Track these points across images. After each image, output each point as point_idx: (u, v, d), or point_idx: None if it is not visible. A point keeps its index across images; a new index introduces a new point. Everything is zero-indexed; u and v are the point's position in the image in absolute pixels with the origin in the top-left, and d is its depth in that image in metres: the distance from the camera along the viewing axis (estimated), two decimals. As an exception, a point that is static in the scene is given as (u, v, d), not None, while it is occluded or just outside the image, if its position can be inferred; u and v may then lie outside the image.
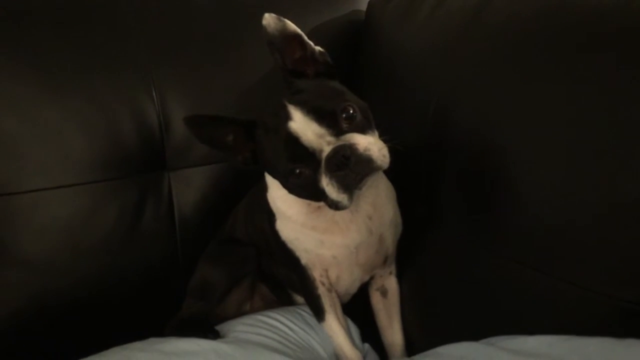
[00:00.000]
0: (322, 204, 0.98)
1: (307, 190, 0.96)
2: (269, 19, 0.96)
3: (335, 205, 0.93)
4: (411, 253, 1.22)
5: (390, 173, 1.13)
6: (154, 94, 1.33)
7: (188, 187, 1.38)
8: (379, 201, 1.11)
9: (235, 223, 1.33)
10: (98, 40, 1.30)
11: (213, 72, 1.39)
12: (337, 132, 0.92)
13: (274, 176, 1.01)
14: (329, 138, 0.91)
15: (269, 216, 1.15)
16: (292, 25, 0.97)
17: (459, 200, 1.11)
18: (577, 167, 0.90)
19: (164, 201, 1.36)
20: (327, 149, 0.90)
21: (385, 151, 0.92)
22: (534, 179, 0.96)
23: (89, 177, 1.27)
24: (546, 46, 0.97)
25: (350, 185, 0.91)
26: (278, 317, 1.19)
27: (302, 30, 1.47)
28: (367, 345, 1.22)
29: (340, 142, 0.90)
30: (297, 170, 0.93)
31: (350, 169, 0.89)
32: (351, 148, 0.89)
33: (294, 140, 0.91)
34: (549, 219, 0.93)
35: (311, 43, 1.00)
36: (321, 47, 1.49)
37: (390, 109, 1.30)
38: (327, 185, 0.91)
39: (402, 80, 1.29)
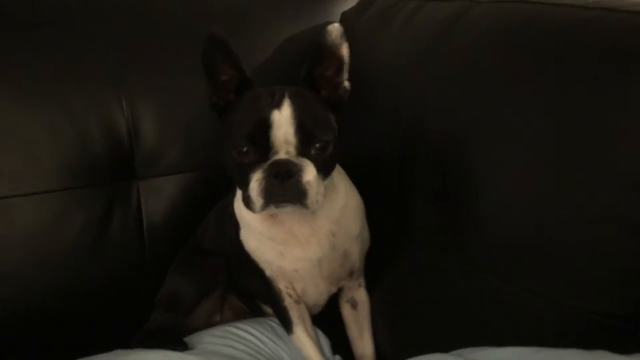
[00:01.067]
0: (280, 212, 1.01)
1: (238, 171, 0.96)
2: (335, 31, 0.95)
3: (246, 202, 0.95)
4: (381, 265, 1.22)
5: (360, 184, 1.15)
6: (123, 102, 1.31)
7: (157, 196, 1.36)
8: (344, 218, 1.10)
9: (205, 233, 1.31)
10: (67, 47, 1.29)
11: (182, 79, 1.37)
12: (302, 152, 0.93)
13: (223, 139, 0.99)
14: (292, 149, 0.92)
15: (235, 226, 1.14)
16: (347, 50, 0.97)
17: (428, 213, 1.12)
18: (545, 181, 0.91)
19: (133, 210, 1.34)
20: (281, 155, 0.92)
21: (320, 198, 0.94)
22: (502, 192, 0.97)
23: (56, 185, 1.25)
24: (517, 60, 0.98)
25: (271, 197, 0.92)
26: (248, 328, 1.17)
27: (276, 39, 1.50)
28: (337, 357, 1.21)
29: (295, 160, 0.92)
30: (245, 149, 0.94)
31: (283, 186, 0.91)
32: (298, 173, 0.91)
33: (265, 126, 0.91)
34: (517, 232, 0.95)
35: (346, 74, 1.00)
36: (294, 56, 1.51)
37: (362, 120, 1.31)
38: (256, 181, 0.92)
39: (375, 91, 1.29)
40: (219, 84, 1.00)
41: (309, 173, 0.92)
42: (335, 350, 1.22)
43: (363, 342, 1.21)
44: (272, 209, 0.95)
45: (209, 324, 1.24)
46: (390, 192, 1.22)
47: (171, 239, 1.37)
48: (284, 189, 0.92)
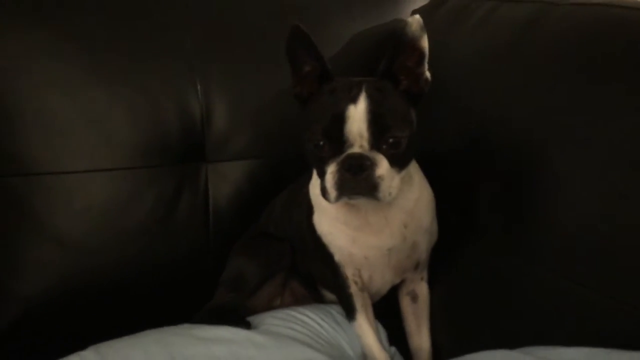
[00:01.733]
0: (355, 202, 1.03)
1: (315, 162, 1.01)
2: (415, 22, 0.96)
3: (323, 192, 0.98)
4: (445, 260, 1.23)
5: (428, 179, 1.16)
6: (198, 87, 1.35)
7: (224, 180, 1.40)
8: (417, 210, 1.12)
9: (270, 218, 1.35)
10: (148, 30, 1.34)
11: (257, 68, 1.41)
12: (375, 146, 0.96)
13: (303, 129, 1.02)
14: (365, 143, 0.95)
15: (308, 209, 1.17)
16: (426, 42, 0.98)
17: (497, 211, 1.12)
18: (622, 183, 0.91)
19: (200, 192, 1.38)
20: (355, 149, 0.95)
21: (394, 191, 0.97)
22: (576, 193, 0.97)
23: (130, 163, 1.29)
24: (598, 64, 0.98)
25: (344, 189, 0.96)
26: (308, 313, 1.20)
27: (345, 35, 1.52)
28: (393, 349, 1.22)
29: (368, 154, 0.95)
30: (321, 143, 0.97)
31: (356, 179, 0.94)
32: (370, 167, 0.94)
33: (340, 120, 0.94)
34: (589, 233, 0.95)
35: (426, 66, 1.01)
36: (362, 52, 1.53)
37: (433, 116, 1.31)
38: (330, 173, 0.96)
39: (446, 90, 1.29)
40: (302, 75, 1.04)
41: (382, 167, 0.95)
42: (390, 342, 1.23)
43: (420, 336, 1.22)
44: (345, 200, 0.99)
45: (269, 307, 1.27)
46: (456, 189, 1.22)
47: (235, 222, 1.40)
48: (357, 182, 0.95)
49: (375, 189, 0.95)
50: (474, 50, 1.27)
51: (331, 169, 0.96)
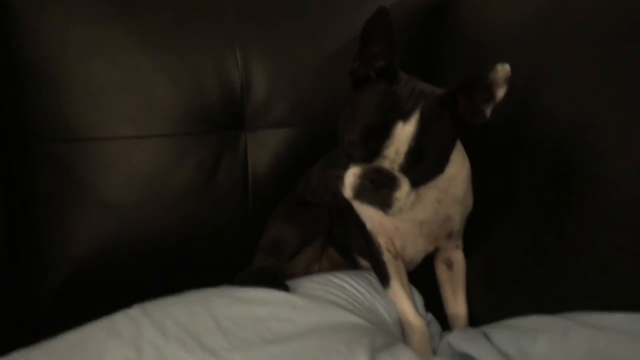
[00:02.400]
0: None
1: (345, 153, 1.01)
2: (502, 71, 0.92)
3: (339, 180, 1.00)
4: (483, 227, 1.22)
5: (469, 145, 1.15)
6: (237, 55, 1.36)
7: (263, 148, 1.41)
8: (451, 187, 1.12)
9: (307, 186, 1.36)
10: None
11: (296, 37, 1.41)
12: (405, 169, 0.95)
13: (345, 111, 1.03)
14: (396, 165, 0.95)
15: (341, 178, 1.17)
16: (503, 93, 0.95)
17: (539, 178, 1.11)
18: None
19: (240, 159, 1.40)
20: (385, 164, 0.95)
21: (406, 208, 0.98)
22: (617, 167, 0.96)
23: (172, 130, 1.32)
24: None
25: (359, 195, 0.98)
26: (346, 278, 1.21)
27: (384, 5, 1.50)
28: (430, 315, 1.23)
29: (395, 174, 0.95)
30: (356, 142, 0.97)
31: (374, 191, 0.96)
32: (392, 187, 0.95)
33: (384, 132, 0.94)
34: (631, 199, 0.93)
35: (490, 109, 0.98)
36: (399, 23, 1.50)
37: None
38: (353, 173, 0.97)
39: (488, 56, 1.27)
40: (366, 55, 1.01)
41: (402, 190, 0.96)
42: (427, 308, 1.24)
43: (457, 303, 1.23)
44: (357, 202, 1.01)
45: (307, 272, 1.29)
46: (498, 154, 1.21)
47: (274, 189, 1.42)
48: (374, 195, 0.96)
49: (388, 206, 0.97)
50: (513, 22, 1.24)
51: (355, 171, 0.97)
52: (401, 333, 1.17)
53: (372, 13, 0.97)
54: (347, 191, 0.98)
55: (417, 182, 0.98)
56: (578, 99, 1.04)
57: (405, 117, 0.93)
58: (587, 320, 0.88)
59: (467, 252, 1.25)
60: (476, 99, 0.96)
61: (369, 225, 1.18)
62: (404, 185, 0.96)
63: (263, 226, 1.36)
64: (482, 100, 0.97)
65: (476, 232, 1.23)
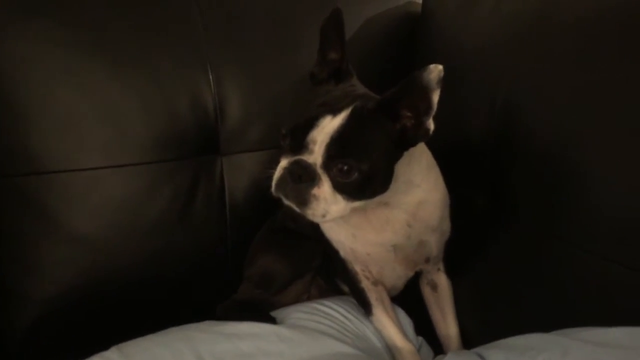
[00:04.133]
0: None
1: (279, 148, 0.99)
2: (435, 72, 0.86)
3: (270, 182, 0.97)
4: (469, 245, 1.20)
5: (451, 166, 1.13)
6: (210, 77, 1.32)
7: (240, 172, 1.37)
8: (421, 212, 1.08)
9: (287, 211, 1.32)
10: (159, 20, 1.30)
11: (270, 57, 1.38)
12: (326, 165, 0.92)
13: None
14: (319, 159, 0.92)
15: None
16: (437, 96, 0.88)
17: (526, 193, 1.09)
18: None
19: (216, 185, 1.35)
20: (308, 158, 0.92)
21: (330, 216, 0.94)
22: (607, 174, 0.95)
23: (146, 158, 1.26)
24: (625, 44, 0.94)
25: (280, 188, 0.96)
26: (333, 305, 1.18)
27: (358, 21, 1.49)
28: (420, 339, 1.20)
29: (315, 169, 0.92)
30: (285, 134, 0.96)
31: (292, 185, 0.93)
32: (310, 182, 0.91)
33: (311, 124, 0.91)
34: (620, 212, 0.92)
35: (431, 118, 0.93)
36: (375, 37, 1.50)
37: (450, 103, 1.28)
38: (280, 166, 0.96)
39: (464, 74, 1.26)
40: (325, 59, 1.02)
41: (321, 188, 0.92)
42: (420, 331, 1.21)
43: (446, 324, 1.20)
44: (282, 198, 0.97)
45: (295, 302, 1.25)
46: (483, 174, 1.19)
47: (252, 214, 1.38)
48: (292, 189, 0.93)
49: (304, 204, 0.93)
50: (494, 31, 1.23)
51: (282, 163, 0.95)
52: (392, 359, 1.13)
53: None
54: (273, 184, 0.96)
55: (346, 189, 0.92)
56: (560, 110, 1.04)
57: (335, 112, 0.91)
58: (585, 337, 0.86)
59: (458, 271, 1.22)
60: (419, 108, 0.91)
61: (342, 252, 1.15)
62: (324, 184, 0.92)
63: (243, 252, 1.32)
64: (424, 110, 0.91)
65: (466, 251, 1.21)
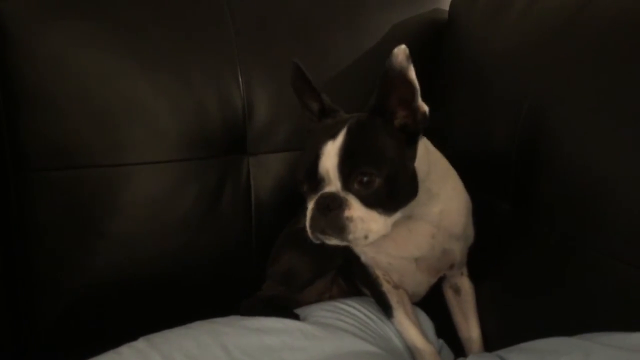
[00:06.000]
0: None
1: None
2: (400, 53, 0.86)
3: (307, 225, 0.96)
4: (493, 250, 1.20)
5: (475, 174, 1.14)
6: (239, 78, 1.35)
7: (266, 172, 1.39)
8: (444, 220, 1.08)
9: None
10: (190, 21, 1.33)
11: (299, 57, 1.39)
12: (346, 185, 0.92)
13: None
14: (338, 183, 0.92)
15: None
16: (414, 73, 0.89)
17: (551, 199, 1.09)
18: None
19: (242, 184, 1.38)
20: (330, 188, 0.92)
21: (373, 235, 0.92)
22: (635, 182, 0.94)
23: (175, 156, 1.29)
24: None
25: (314, 228, 0.94)
26: (356, 305, 1.19)
27: (384, 27, 1.51)
28: (441, 341, 1.21)
29: (339, 194, 0.91)
30: (302, 180, 0.97)
31: (325, 219, 0.92)
32: (339, 207, 0.90)
33: (317, 158, 0.92)
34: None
35: (419, 99, 0.92)
36: (402, 44, 1.50)
37: (476, 109, 1.31)
38: (308, 211, 0.94)
39: (490, 80, 1.27)
40: (305, 104, 1.05)
41: (352, 208, 0.91)
42: (440, 333, 1.22)
43: (469, 327, 1.21)
44: (319, 239, 0.96)
45: (317, 301, 1.26)
46: (507, 180, 1.19)
47: (277, 215, 1.40)
48: (326, 222, 0.92)
49: (343, 231, 0.91)
50: (520, 38, 1.23)
51: (310, 207, 0.94)
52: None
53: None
54: (308, 232, 0.95)
55: (376, 202, 0.92)
56: (586, 119, 1.03)
57: (333, 136, 0.92)
58: (608, 341, 0.86)
59: (480, 275, 1.23)
60: (407, 98, 0.91)
61: (363, 257, 1.16)
62: (353, 202, 0.91)
63: (267, 251, 1.33)
64: (411, 96, 0.91)
65: (488, 255, 1.21)
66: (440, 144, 1.12)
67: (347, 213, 0.91)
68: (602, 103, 1.01)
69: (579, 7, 1.10)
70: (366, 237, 0.92)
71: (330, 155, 0.91)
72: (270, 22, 1.40)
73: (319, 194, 0.93)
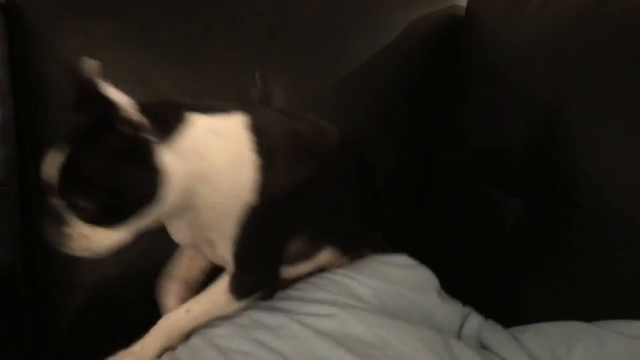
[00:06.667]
0: None
1: None
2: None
3: None
4: (506, 245, 1.20)
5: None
6: (256, 75, 1.36)
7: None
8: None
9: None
10: (207, 19, 1.35)
11: (315, 58, 1.42)
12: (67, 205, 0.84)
13: None
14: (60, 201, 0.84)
15: None
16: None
17: (566, 196, 1.08)
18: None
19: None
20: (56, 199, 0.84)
21: (99, 249, 0.86)
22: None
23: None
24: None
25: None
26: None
27: (402, 25, 1.50)
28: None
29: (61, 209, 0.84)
30: None
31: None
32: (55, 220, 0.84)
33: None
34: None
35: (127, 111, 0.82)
36: (418, 42, 1.51)
37: (492, 105, 1.30)
38: None
39: (508, 76, 1.26)
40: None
41: (72, 225, 0.84)
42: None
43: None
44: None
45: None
46: (521, 176, 1.19)
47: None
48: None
49: (67, 244, 0.85)
50: (537, 35, 1.22)
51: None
52: None
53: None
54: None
55: (93, 220, 0.84)
56: (604, 115, 1.03)
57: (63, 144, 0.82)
58: (622, 329, 0.87)
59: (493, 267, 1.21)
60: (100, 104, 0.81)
61: None
62: (74, 220, 0.83)
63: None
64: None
65: (501, 251, 1.20)
66: (455, 139, 1.11)
67: (67, 229, 0.85)
68: (619, 99, 1.00)
69: (598, 1, 1.09)
70: (86, 249, 0.86)
71: (54, 166, 0.82)
72: (288, 19, 1.42)
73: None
